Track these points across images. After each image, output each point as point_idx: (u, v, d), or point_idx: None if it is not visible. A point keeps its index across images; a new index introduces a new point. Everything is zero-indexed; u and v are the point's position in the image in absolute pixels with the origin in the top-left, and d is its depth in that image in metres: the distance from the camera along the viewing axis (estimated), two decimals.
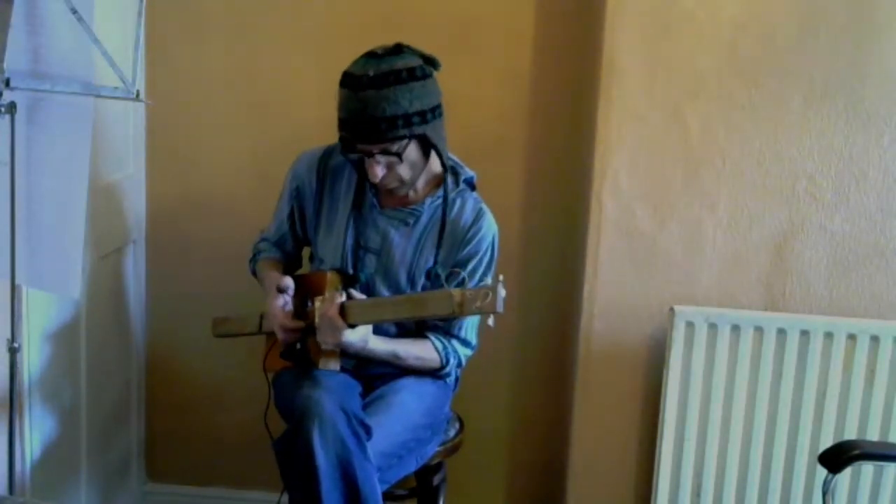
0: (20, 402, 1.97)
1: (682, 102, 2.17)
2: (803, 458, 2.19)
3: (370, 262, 2.04)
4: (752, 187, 2.19)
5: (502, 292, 1.73)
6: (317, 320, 1.92)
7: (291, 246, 2.20)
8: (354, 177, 2.06)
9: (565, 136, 2.46)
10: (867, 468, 2.18)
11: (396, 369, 2.04)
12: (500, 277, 1.75)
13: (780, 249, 2.21)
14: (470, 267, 2.02)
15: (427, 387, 2.06)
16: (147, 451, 2.71)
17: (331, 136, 2.14)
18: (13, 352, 1.86)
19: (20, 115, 1.74)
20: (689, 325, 2.16)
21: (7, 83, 1.66)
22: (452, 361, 2.06)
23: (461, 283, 1.89)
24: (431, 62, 1.93)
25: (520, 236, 2.50)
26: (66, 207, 1.88)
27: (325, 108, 2.43)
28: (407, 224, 2.04)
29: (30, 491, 2.04)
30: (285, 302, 1.98)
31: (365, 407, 1.92)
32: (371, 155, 1.90)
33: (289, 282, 1.99)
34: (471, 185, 2.10)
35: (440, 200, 2.03)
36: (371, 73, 1.84)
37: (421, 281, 2.03)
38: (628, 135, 2.19)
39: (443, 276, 1.96)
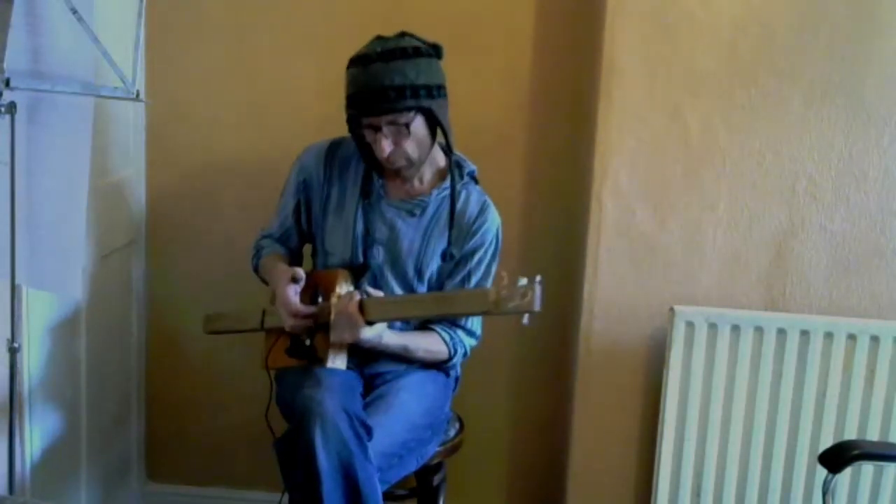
0: (20, 402, 1.97)
1: (682, 102, 2.17)
2: (803, 458, 2.19)
3: (378, 252, 2.06)
4: (752, 187, 2.19)
5: (539, 291, 1.73)
6: (332, 317, 1.92)
7: (295, 241, 2.20)
8: (362, 168, 2.08)
9: (565, 136, 2.46)
10: (867, 468, 2.18)
11: (405, 362, 2.06)
12: (538, 277, 1.74)
13: (780, 249, 2.21)
14: (476, 258, 2.06)
15: (427, 387, 2.06)
16: (147, 451, 2.71)
17: (330, 135, 2.15)
18: (13, 352, 1.86)
19: (20, 115, 1.74)
20: (689, 325, 2.16)
21: (7, 83, 1.66)
22: (459, 352, 2.09)
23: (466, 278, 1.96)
24: (436, 48, 1.98)
25: (520, 236, 2.50)
26: (66, 207, 1.88)
27: (325, 107, 2.43)
28: (414, 215, 2.06)
29: (30, 491, 2.04)
30: (296, 291, 1.99)
31: (365, 407, 1.93)
32: (378, 129, 1.92)
33: (302, 273, 2.00)
34: (473, 178, 2.14)
35: (447, 192, 2.06)
36: (379, 50, 1.91)
37: (429, 271, 2.06)
38: (628, 135, 2.19)
39: (457, 257, 2.03)
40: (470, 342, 2.11)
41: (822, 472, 1.83)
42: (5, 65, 1.66)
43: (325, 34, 2.45)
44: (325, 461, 1.74)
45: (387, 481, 1.90)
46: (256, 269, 2.22)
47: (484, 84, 2.43)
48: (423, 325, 2.09)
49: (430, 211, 2.06)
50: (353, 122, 1.97)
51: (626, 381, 2.29)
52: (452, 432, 2.20)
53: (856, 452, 1.77)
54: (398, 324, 2.05)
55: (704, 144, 2.18)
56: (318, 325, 1.97)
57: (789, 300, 2.22)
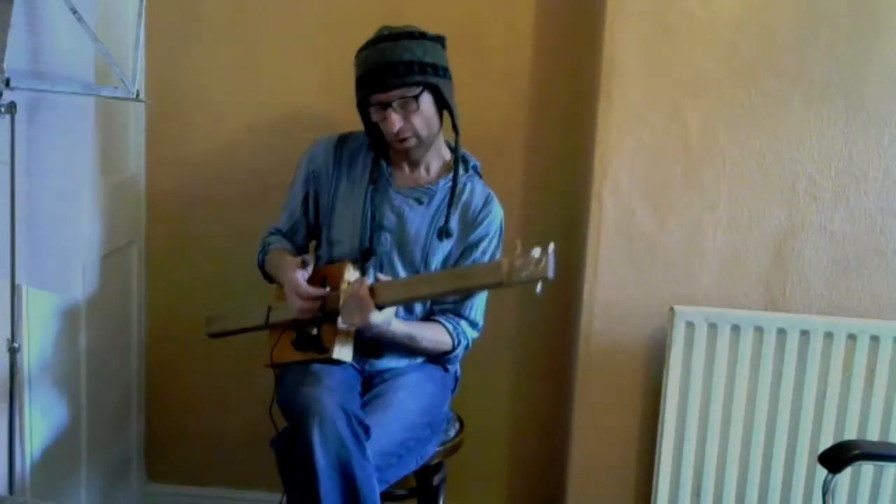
0: (20, 403, 1.98)
1: (682, 102, 2.17)
2: (803, 458, 2.19)
3: (386, 240, 2.08)
4: (752, 187, 2.19)
5: (553, 258, 1.74)
6: (342, 301, 1.93)
7: (303, 236, 2.22)
8: (370, 158, 2.12)
9: (565, 136, 2.46)
10: (867, 468, 2.18)
11: (410, 353, 2.08)
12: (551, 245, 1.75)
13: (780, 249, 2.21)
14: (481, 248, 2.10)
15: (425, 386, 2.07)
16: (147, 451, 2.71)
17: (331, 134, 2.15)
18: (13, 352, 1.86)
19: (20, 114, 1.74)
20: (689, 325, 2.16)
21: (7, 83, 1.66)
22: (462, 342, 2.11)
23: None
24: (440, 38, 2.06)
25: (520, 236, 2.49)
26: (66, 207, 1.88)
27: (325, 107, 2.44)
28: (421, 203, 2.10)
29: (30, 491, 2.04)
30: (304, 277, 2.01)
31: (363, 406, 1.93)
32: (388, 106, 1.97)
33: (310, 259, 2.03)
34: (477, 172, 2.18)
35: (451, 182, 2.10)
36: (386, 33, 2.00)
37: (435, 260, 2.08)
38: (628, 135, 2.19)
39: (462, 247, 2.08)
40: (472, 333, 2.14)
41: (822, 472, 1.82)
42: (5, 65, 1.66)
43: (326, 34, 2.45)
44: (322, 459, 1.74)
45: (386, 481, 1.90)
46: (262, 266, 2.22)
47: (484, 84, 2.43)
48: (427, 318, 2.11)
49: (437, 199, 2.10)
50: (364, 103, 2.01)
51: (626, 381, 2.29)
52: (452, 432, 2.20)
53: (856, 452, 1.77)
54: (402, 314, 2.07)
55: (704, 144, 2.18)
56: (325, 315, 1.98)
57: (789, 300, 2.22)
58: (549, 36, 2.43)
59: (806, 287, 2.22)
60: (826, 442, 2.14)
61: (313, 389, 1.82)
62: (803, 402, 2.17)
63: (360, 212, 2.09)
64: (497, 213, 2.13)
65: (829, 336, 2.14)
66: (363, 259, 2.06)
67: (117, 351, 2.49)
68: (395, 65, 1.94)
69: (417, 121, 2.00)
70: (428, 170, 2.12)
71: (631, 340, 2.26)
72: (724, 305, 2.21)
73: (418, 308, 2.12)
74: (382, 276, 1.99)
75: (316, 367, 1.95)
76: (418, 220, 2.09)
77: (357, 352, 2.00)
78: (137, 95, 1.81)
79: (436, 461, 2.15)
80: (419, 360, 2.13)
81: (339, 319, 1.94)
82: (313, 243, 2.24)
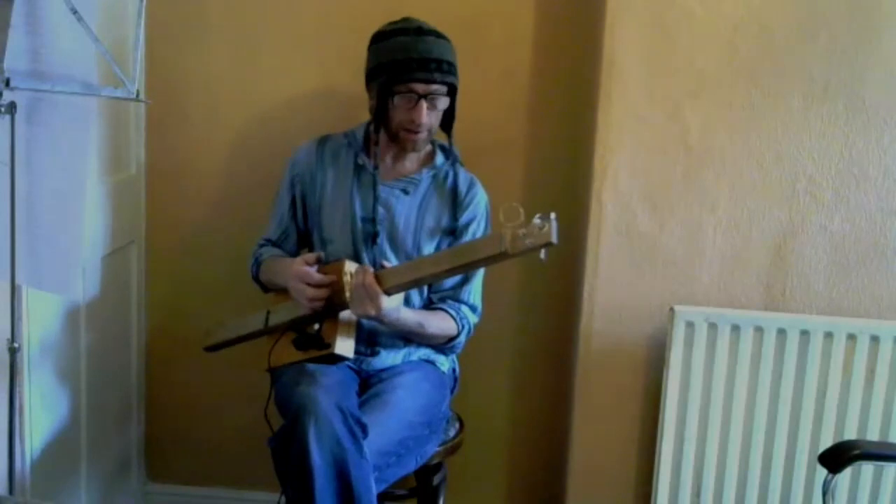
0: (20, 402, 1.97)
1: (682, 102, 2.17)
2: (803, 458, 2.19)
3: (377, 232, 2.11)
4: (752, 187, 2.19)
5: (556, 224, 1.75)
6: (348, 293, 1.94)
7: (294, 242, 2.23)
8: (352, 156, 2.15)
9: (565, 136, 2.46)
10: (867, 468, 2.18)
11: (417, 341, 2.11)
12: (553, 214, 1.76)
13: (780, 249, 2.21)
14: (470, 230, 2.16)
15: (423, 385, 2.07)
16: (147, 451, 2.70)
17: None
18: (13, 352, 1.86)
19: (20, 114, 1.74)
20: (689, 325, 2.16)
21: (7, 83, 1.66)
22: (465, 328, 2.14)
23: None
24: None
25: None
26: (66, 207, 1.87)
27: (326, 108, 2.43)
28: (407, 193, 2.14)
29: (30, 491, 2.04)
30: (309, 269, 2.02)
31: (361, 405, 1.93)
32: (420, 96, 2.03)
33: (313, 255, 2.05)
34: (457, 159, 2.21)
35: (435, 171, 2.17)
36: (423, 26, 2.06)
37: (427, 244, 2.12)
38: (628, 135, 2.19)
39: (456, 229, 2.13)
40: (473, 318, 2.17)
41: (822, 472, 1.83)
42: (5, 65, 1.66)
43: (326, 34, 2.45)
44: (318, 458, 1.74)
45: (385, 480, 1.90)
46: (256, 277, 2.23)
47: (484, 84, 2.43)
48: (428, 306, 2.14)
49: (422, 188, 2.15)
50: (387, 87, 2.03)
51: (626, 381, 2.29)
52: (452, 432, 2.20)
53: (856, 452, 1.77)
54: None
55: (704, 144, 2.18)
56: (328, 311, 1.98)
57: (789, 300, 2.22)
58: (549, 36, 2.43)
59: (806, 287, 2.22)
60: (826, 442, 2.14)
61: (309, 388, 1.82)
62: (803, 402, 2.17)
63: (349, 207, 2.12)
64: (482, 196, 2.19)
65: (829, 336, 2.14)
66: (365, 245, 2.09)
67: (117, 351, 2.49)
68: (441, 61, 2.02)
69: (434, 117, 2.08)
70: (411, 161, 2.17)
71: (631, 340, 2.26)
72: (724, 305, 2.21)
73: (416, 300, 2.14)
74: (387, 263, 2.02)
75: (312, 366, 1.95)
76: (406, 209, 2.13)
77: (361, 343, 2.02)
78: (137, 95, 1.81)
79: (436, 461, 2.15)
80: (416, 358, 2.14)
81: (349, 312, 1.95)
82: (305, 249, 2.24)
